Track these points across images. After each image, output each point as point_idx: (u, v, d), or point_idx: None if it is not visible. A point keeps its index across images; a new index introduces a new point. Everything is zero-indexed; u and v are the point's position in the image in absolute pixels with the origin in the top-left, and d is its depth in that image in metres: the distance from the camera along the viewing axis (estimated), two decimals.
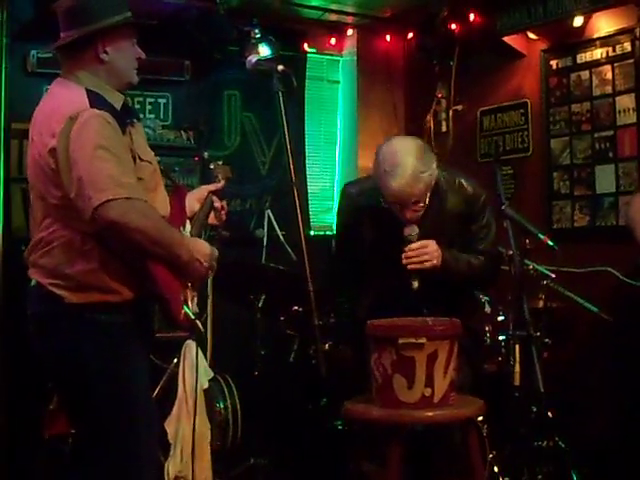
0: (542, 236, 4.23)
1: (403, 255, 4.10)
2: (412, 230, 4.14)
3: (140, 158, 3.40)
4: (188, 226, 3.65)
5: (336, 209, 4.62)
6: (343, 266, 4.52)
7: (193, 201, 3.78)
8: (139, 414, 3.39)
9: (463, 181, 4.32)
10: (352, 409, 3.86)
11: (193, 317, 3.43)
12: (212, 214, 3.82)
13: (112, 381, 3.33)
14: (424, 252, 4.12)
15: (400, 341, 3.60)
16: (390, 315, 3.90)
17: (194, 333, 3.88)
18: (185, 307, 3.40)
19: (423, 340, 3.60)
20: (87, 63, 3.39)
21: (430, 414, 3.64)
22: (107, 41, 3.39)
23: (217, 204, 3.82)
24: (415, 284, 4.09)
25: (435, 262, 4.12)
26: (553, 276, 4.89)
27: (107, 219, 3.12)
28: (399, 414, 3.64)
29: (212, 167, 3.95)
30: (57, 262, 3.31)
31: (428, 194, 4.15)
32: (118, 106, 3.38)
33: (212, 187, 3.85)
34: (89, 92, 3.29)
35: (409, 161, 4.01)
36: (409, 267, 4.09)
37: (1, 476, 5.31)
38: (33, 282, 3.40)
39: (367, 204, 4.32)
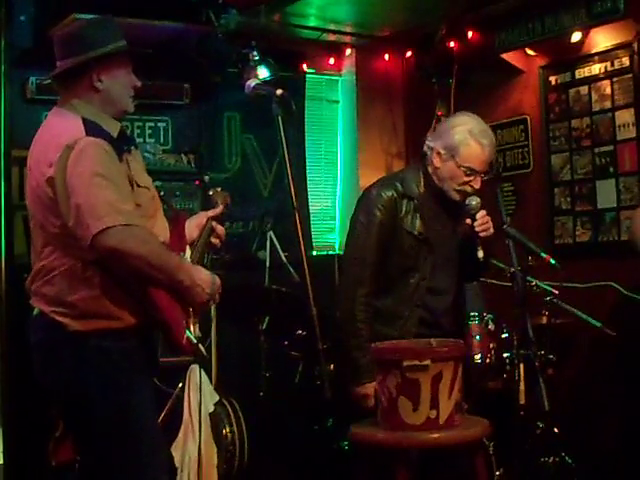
0: (544, 255, 4.23)
1: (476, 224, 4.01)
2: (475, 200, 4.05)
3: (138, 184, 3.41)
4: (188, 252, 3.65)
5: (367, 214, 4.16)
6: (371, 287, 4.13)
7: (192, 227, 3.77)
8: (144, 440, 3.38)
9: None
10: (358, 432, 3.86)
11: (195, 342, 3.43)
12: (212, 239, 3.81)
13: (116, 408, 3.32)
14: (489, 220, 4.06)
15: (404, 363, 3.59)
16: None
17: (197, 357, 3.88)
18: (187, 332, 3.40)
19: (427, 362, 3.59)
20: (82, 91, 3.40)
21: (436, 436, 3.63)
22: (101, 69, 3.40)
23: (216, 229, 3.81)
24: (480, 253, 4.02)
25: (493, 230, 4.08)
26: (556, 293, 4.88)
27: (106, 246, 3.13)
28: (404, 437, 3.64)
29: (211, 193, 3.96)
30: (59, 290, 3.31)
31: None
32: (115, 134, 3.39)
33: (211, 213, 3.84)
34: (85, 121, 3.30)
35: (490, 130, 4.16)
36: (482, 234, 4.02)
37: None
38: (36, 311, 3.40)
39: (406, 193, 4.15)
